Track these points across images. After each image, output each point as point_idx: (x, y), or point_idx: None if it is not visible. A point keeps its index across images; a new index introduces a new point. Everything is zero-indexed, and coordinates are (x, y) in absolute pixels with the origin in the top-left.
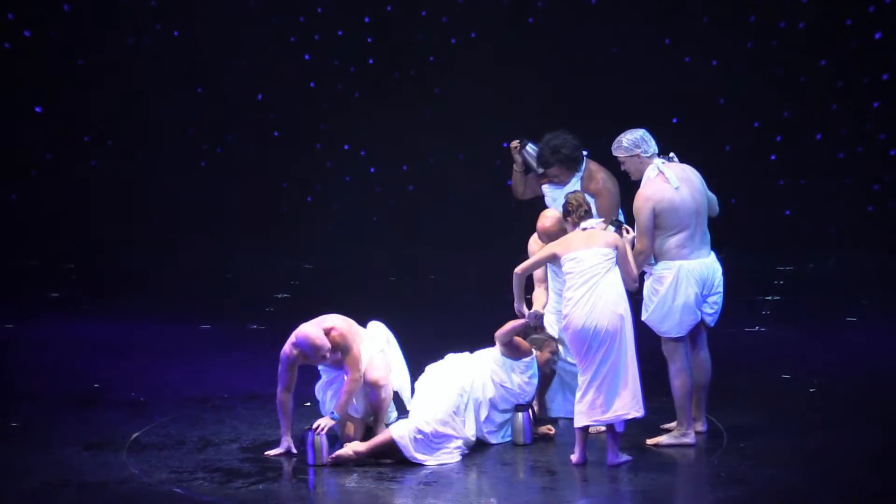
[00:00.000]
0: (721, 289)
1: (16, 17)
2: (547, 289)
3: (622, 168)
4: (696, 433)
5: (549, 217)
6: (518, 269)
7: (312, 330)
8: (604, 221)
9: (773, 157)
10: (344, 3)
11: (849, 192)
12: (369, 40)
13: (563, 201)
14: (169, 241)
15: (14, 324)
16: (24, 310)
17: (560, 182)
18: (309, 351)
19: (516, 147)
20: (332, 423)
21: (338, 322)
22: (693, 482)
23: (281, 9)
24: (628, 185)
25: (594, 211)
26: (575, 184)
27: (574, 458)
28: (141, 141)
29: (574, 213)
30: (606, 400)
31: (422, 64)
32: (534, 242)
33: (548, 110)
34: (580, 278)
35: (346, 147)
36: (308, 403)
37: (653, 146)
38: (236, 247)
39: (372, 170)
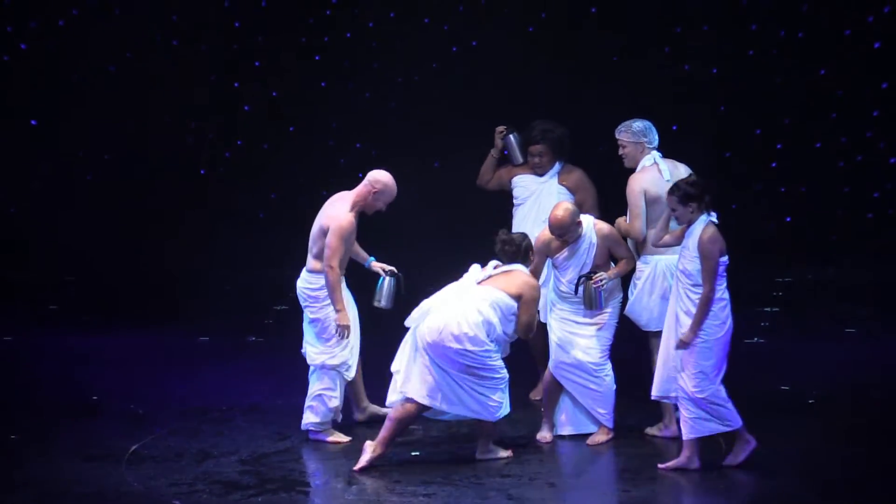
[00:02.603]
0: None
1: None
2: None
3: (620, 152)
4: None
5: (562, 208)
6: None
7: None
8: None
9: (773, 165)
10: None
11: (849, 200)
12: (374, 44)
13: (540, 191)
14: (167, 250)
15: (12, 336)
16: (23, 322)
17: (541, 170)
18: None
19: (501, 132)
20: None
21: None
22: (692, 493)
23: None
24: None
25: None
26: (552, 177)
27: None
28: (138, 152)
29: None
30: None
31: (424, 69)
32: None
33: (547, 115)
34: None
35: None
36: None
37: (656, 139)
38: (234, 258)
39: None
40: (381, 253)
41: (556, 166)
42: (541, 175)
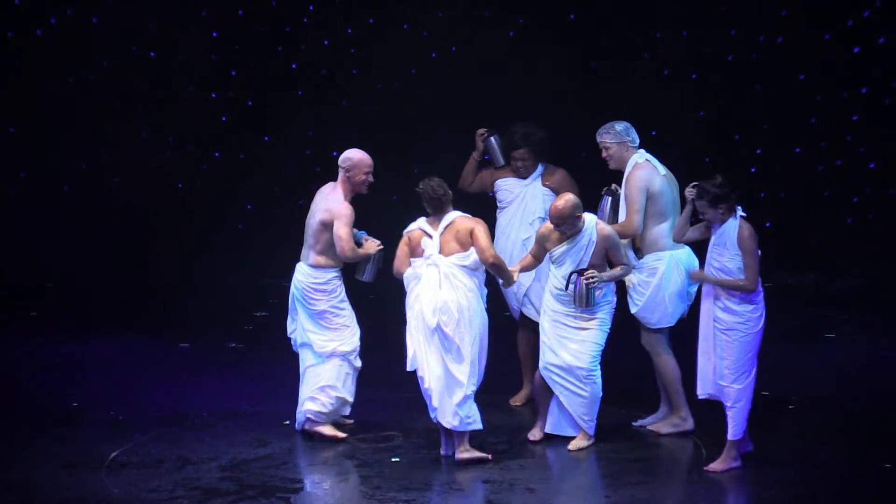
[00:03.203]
0: None
1: None
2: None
3: (604, 154)
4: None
5: (563, 199)
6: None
7: None
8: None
9: (753, 170)
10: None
11: (828, 205)
12: (353, 51)
13: (524, 194)
14: (146, 259)
15: None
16: (3, 329)
17: (524, 173)
18: None
19: (482, 134)
20: None
21: None
22: (672, 497)
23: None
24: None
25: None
26: (535, 179)
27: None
28: (115, 163)
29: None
30: None
31: (403, 75)
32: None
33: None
34: None
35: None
36: (287, 422)
37: (637, 138)
38: (216, 264)
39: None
40: None
41: (539, 168)
42: (524, 178)
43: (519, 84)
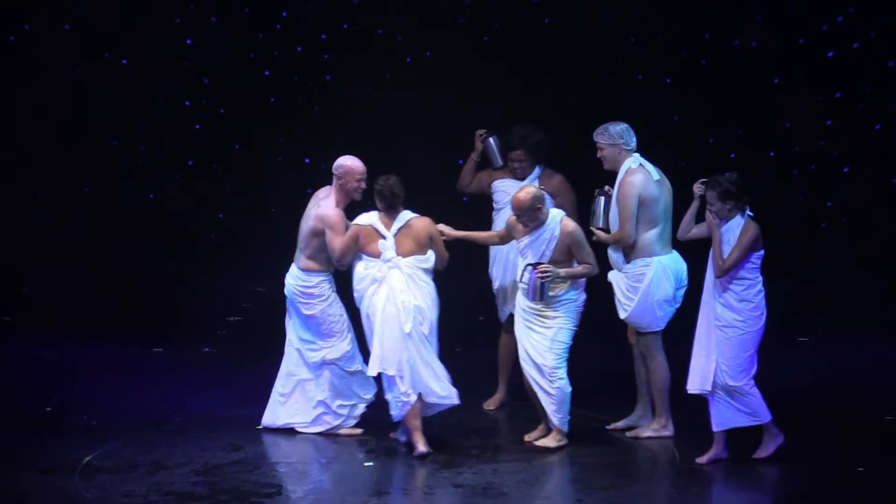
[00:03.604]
0: (686, 283)
1: None
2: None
3: (599, 154)
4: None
5: (525, 190)
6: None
7: None
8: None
9: (727, 175)
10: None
11: (802, 209)
12: (326, 57)
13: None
14: (119, 262)
15: None
16: None
17: (521, 174)
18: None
19: (481, 135)
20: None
21: None
22: (645, 500)
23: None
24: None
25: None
26: (532, 181)
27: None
28: (88, 169)
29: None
30: None
31: (377, 81)
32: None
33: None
34: None
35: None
36: (260, 426)
37: (634, 141)
38: (188, 269)
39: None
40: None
41: (536, 170)
42: (521, 179)
43: (492, 88)
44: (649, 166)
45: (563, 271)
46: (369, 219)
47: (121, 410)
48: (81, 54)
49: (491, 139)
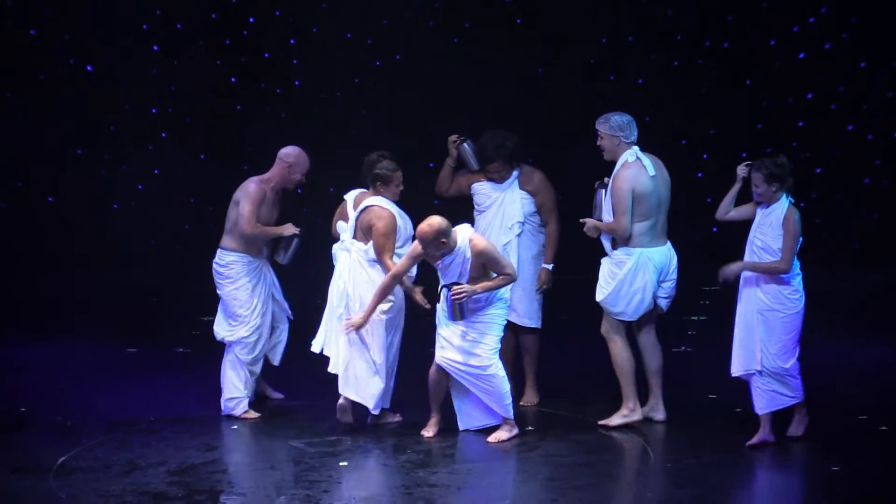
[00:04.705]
0: (675, 276)
1: None
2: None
3: (598, 143)
4: (657, 422)
5: (427, 223)
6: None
7: None
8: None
9: (699, 175)
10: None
11: None
12: (295, 62)
13: (503, 199)
14: (91, 263)
15: None
16: None
17: (500, 179)
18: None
19: (455, 141)
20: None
21: None
22: (619, 499)
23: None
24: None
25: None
26: (512, 183)
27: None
28: (53, 178)
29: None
30: None
31: (347, 85)
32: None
33: (477, 130)
34: None
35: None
36: (235, 427)
37: (635, 134)
38: (160, 269)
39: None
40: (325, 276)
41: (515, 172)
42: (501, 183)
43: (463, 90)
44: (646, 160)
45: (479, 287)
46: (353, 195)
47: (94, 410)
48: (45, 61)
49: (465, 144)
